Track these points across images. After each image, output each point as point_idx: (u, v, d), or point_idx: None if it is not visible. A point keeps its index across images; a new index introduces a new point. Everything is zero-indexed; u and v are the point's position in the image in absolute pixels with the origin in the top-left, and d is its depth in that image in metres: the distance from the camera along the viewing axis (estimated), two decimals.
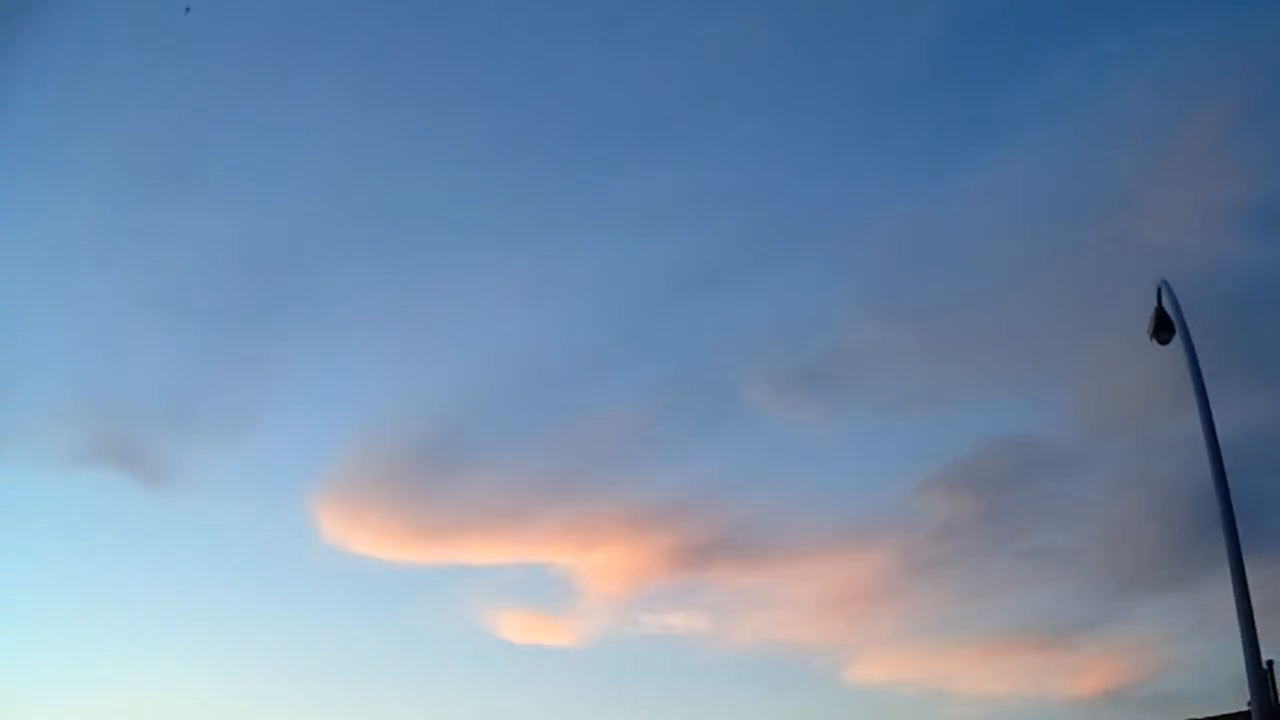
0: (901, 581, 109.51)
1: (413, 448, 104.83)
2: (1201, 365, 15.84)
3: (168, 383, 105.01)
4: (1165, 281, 16.47)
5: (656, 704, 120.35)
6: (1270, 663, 38.91)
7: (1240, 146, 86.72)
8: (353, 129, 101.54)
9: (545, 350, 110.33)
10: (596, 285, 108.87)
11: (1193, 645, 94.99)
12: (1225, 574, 14.37)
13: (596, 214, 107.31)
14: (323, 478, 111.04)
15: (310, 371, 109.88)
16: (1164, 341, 16.22)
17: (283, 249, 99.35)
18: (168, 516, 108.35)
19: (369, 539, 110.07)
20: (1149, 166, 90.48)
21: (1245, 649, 14.03)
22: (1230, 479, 14.89)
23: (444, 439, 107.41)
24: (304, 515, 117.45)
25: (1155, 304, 16.47)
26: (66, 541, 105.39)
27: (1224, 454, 15.01)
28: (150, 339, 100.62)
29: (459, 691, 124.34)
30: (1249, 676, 14.05)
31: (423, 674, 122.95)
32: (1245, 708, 15.29)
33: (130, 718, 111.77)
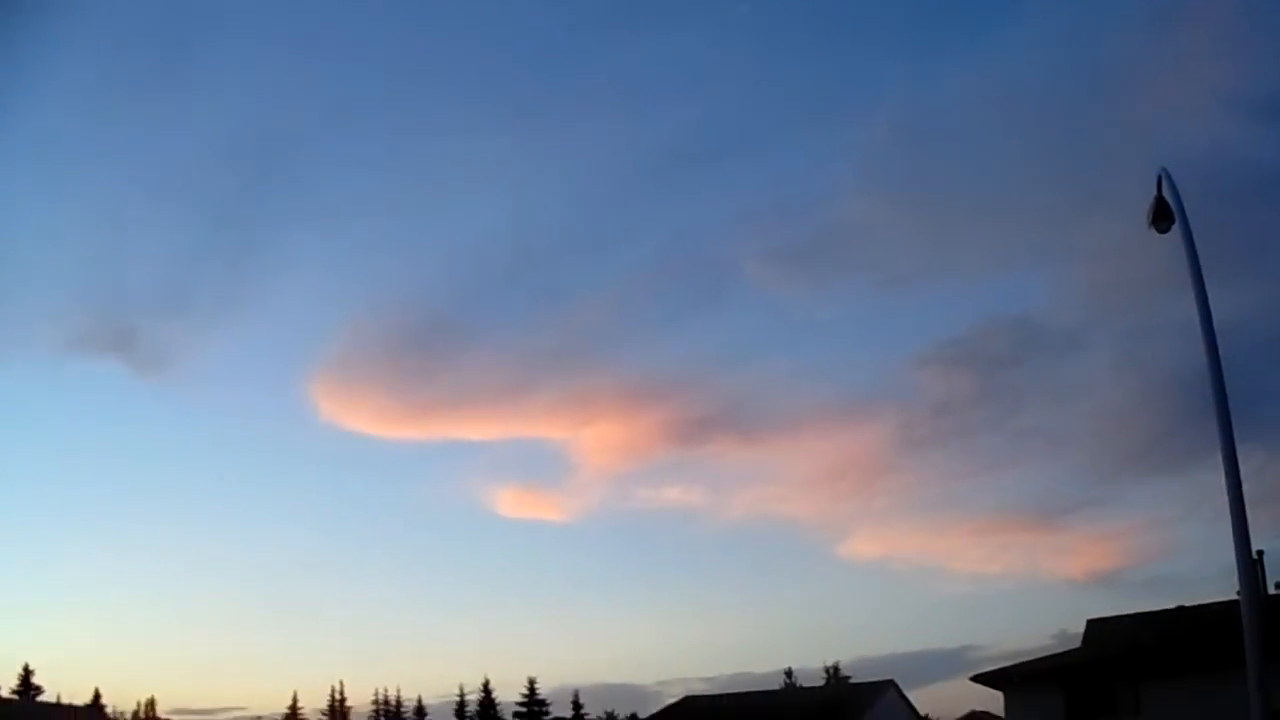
0: (896, 458, 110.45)
1: (408, 327, 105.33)
2: (1200, 253, 15.68)
3: (162, 271, 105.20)
4: (1165, 170, 16.25)
5: (651, 577, 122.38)
6: (1260, 552, 39.18)
7: (1247, 37, 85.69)
8: (340, 17, 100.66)
9: (541, 226, 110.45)
10: (593, 160, 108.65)
11: (1186, 530, 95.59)
12: (1219, 460, 14.30)
13: (592, 89, 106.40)
14: (318, 360, 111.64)
15: (304, 256, 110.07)
16: (1163, 230, 16.04)
17: (275, 137, 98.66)
18: (163, 403, 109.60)
19: (365, 418, 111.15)
20: (1155, 51, 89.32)
21: (1235, 538, 13.98)
22: (1225, 367, 14.78)
23: (440, 318, 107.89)
24: (300, 396, 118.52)
25: (1155, 192, 16.22)
26: (64, 430, 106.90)
27: (1219, 342, 14.90)
28: (144, 229, 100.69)
29: (455, 566, 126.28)
30: (1239, 566, 14.02)
31: (419, 549, 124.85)
32: (1235, 596, 15.26)
33: (130, 599, 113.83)
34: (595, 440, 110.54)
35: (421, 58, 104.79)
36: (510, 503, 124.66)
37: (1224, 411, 14.50)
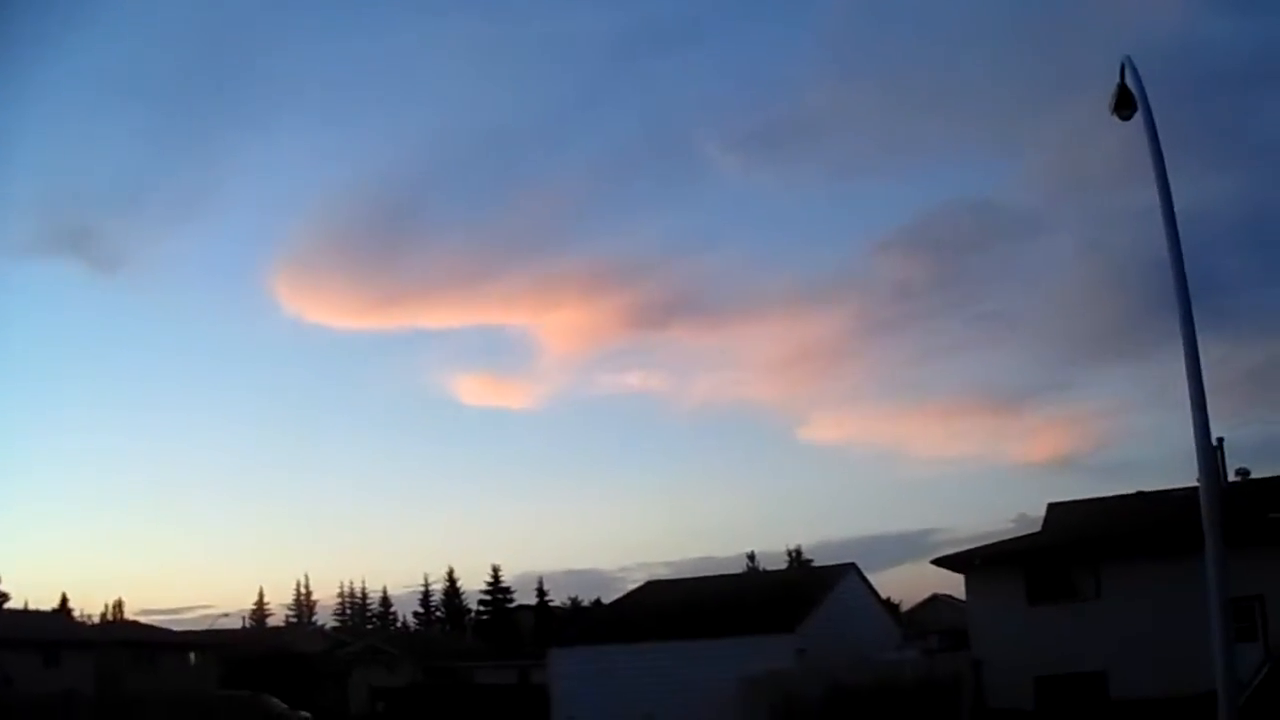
0: (856, 343, 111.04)
1: (369, 216, 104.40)
2: (1163, 142, 15.62)
3: (118, 166, 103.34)
4: (1129, 58, 16.08)
5: (613, 463, 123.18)
6: (1220, 440, 39.64)
7: None
8: None
9: (502, 113, 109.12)
10: (554, 45, 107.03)
11: (1146, 416, 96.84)
12: (1180, 348, 14.36)
13: None
14: (278, 251, 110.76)
15: (262, 147, 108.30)
16: (1125, 118, 15.94)
17: (231, 25, 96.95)
18: (122, 302, 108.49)
19: (327, 309, 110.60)
20: None
21: (1195, 425, 14.10)
22: (1186, 255, 14.80)
23: (400, 206, 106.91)
24: (261, 289, 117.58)
25: (1119, 79, 16.10)
26: (21, 332, 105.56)
27: (1182, 230, 14.91)
28: (100, 123, 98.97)
29: (418, 456, 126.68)
30: (1198, 453, 14.16)
31: (382, 440, 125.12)
32: (1195, 483, 15.42)
33: (94, 501, 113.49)
34: (557, 326, 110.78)
35: None
36: (473, 390, 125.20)
37: (1184, 299, 14.54)
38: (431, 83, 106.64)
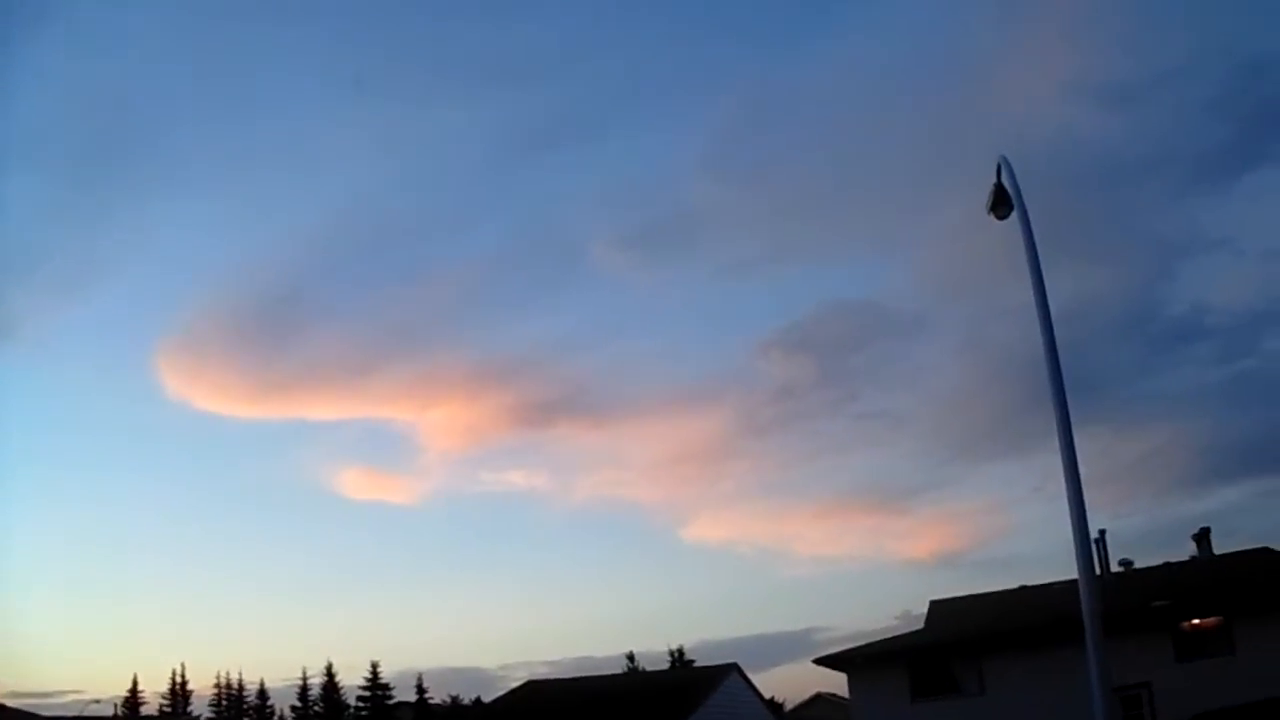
0: (739, 442, 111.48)
1: (256, 302, 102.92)
2: (1042, 237, 15.94)
3: (11, 235, 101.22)
4: (1004, 158, 16.46)
5: (495, 561, 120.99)
6: (1103, 532, 40.23)
7: (1094, 25, 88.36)
8: None
9: (391, 203, 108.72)
10: (445, 138, 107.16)
11: (1028, 511, 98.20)
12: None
13: (449, 66, 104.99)
14: (166, 332, 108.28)
15: (156, 224, 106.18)
16: (1002, 217, 16.27)
17: (128, 100, 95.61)
18: (10, 370, 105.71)
19: (211, 394, 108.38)
20: (1004, 39, 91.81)
21: (1073, 520, 14.20)
22: (1069, 349, 15.07)
23: (288, 293, 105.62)
24: (147, 370, 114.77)
25: (995, 179, 16.45)
26: None
27: (1063, 326, 15.19)
28: None
29: (299, 548, 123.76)
30: (1076, 547, 14.26)
31: (263, 530, 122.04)
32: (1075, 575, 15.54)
33: None
34: (441, 422, 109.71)
35: (280, 33, 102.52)
36: (356, 484, 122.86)
37: (1060, 394, 14.74)
38: (325, 168, 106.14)
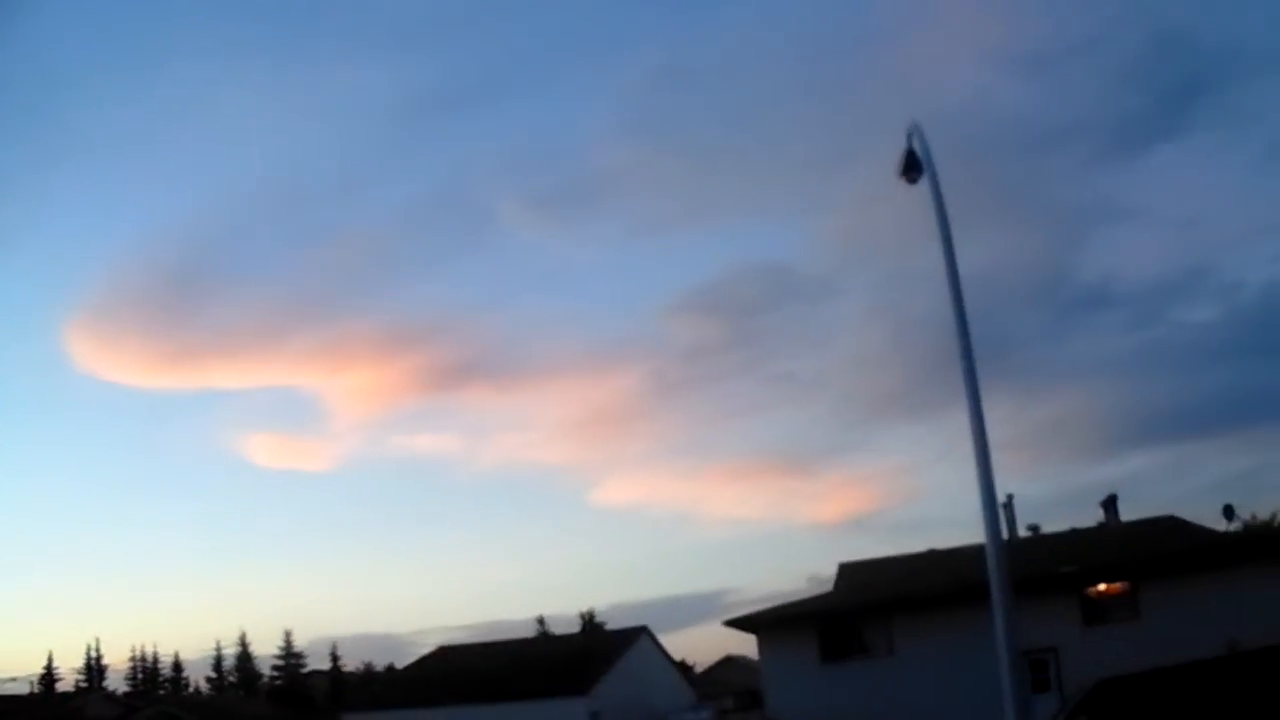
0: (649, 404, 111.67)
1: (165, 271, 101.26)
2: (954, 203, 15.94)
3: None
4: (916, 123, 16.42)
5: (406, 526, 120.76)
6: (1010, 496, 40.81)
7: None
8: None
9: (300, 168, 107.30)
10: (353, 102, 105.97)
11: (937, 475, 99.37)
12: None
13: (355, 30, 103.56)
14: (72, 303, 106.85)
15: (62, 195, 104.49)
16: (913, 182, 16.24)
17: (33, 68, 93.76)
18: None
19: (119, 365, 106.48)
20: (923, 5, 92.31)
21: (980, 484, 14.26)
22: (979, 314, 15.11)
23: (196, 261, 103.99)
24: (53, 342, 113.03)
25: (906, 144, 16.42)
26: None
27: (968, 291, 15.20)
28: None
29: (210, 517, 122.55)
30: (983, 511, 14.32)
31: (175, 500, 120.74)
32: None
33: None
34: (350, 387, 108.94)
35: (183, 0, 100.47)
36: (266, 452, 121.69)
37: (969, 359, 14.77)
38: (230, 135, 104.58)
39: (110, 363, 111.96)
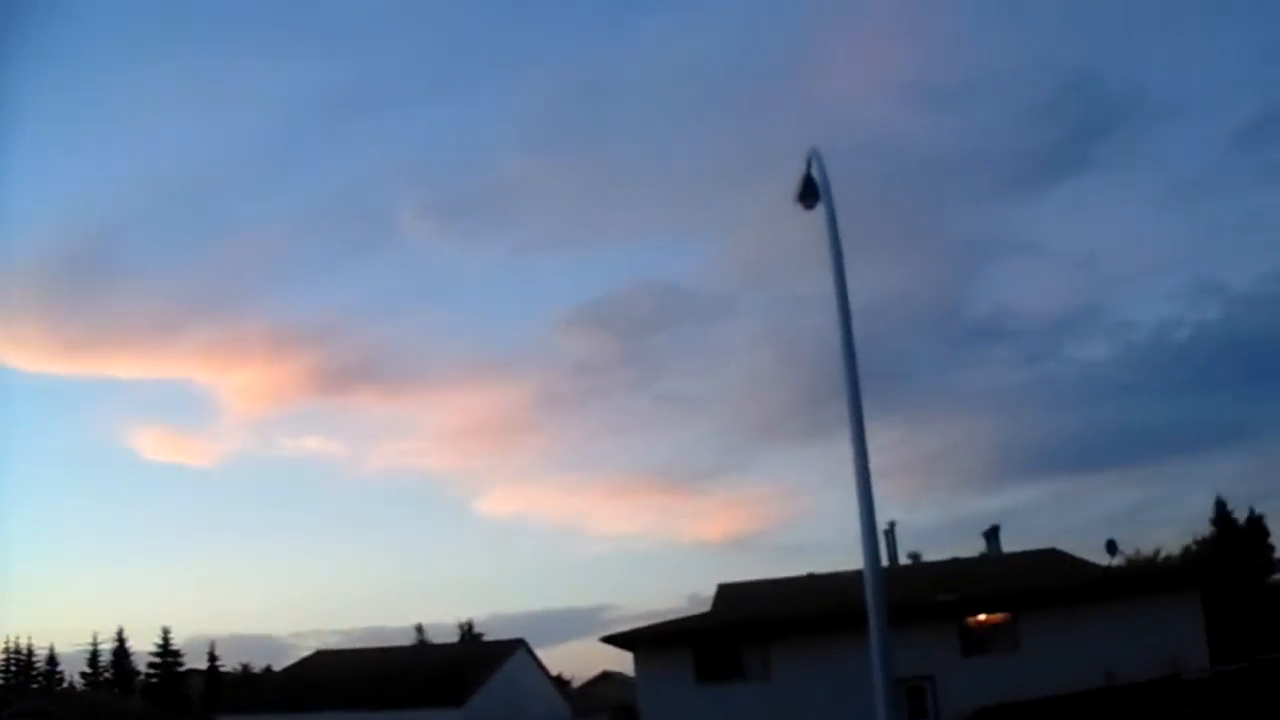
0: (536, 417, 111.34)
1: (60, 257, 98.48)
2: (851, 230, 15.97)
3: None
4: (815, 149, 16.48)
5: (289, 527, 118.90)
6: (893, 523, 41.19)
7: (924, 25, 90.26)
8: None
9: (201, 161, 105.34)
10: (260, 99, 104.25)
11: (821, 499, 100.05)
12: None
13: (262, 26, 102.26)
14: None
15: None
16: (809, 207, 16.28)
17: None
18: None
19: (9, 349, 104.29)
20: (832, 33, 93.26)
21: (860, 510, 14.26)
22: (870, 342, 15.18)
23: (93, 249, 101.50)
24: None
25: (805, 170, 16.47)
26: None
27: (860, 318, 15.26)
28: None
29: (93, 508, 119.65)
30: (863, 537, 14.33)
31: (57, 489, 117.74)
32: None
33: None
34: (240, 384, 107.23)
35: None
36: (153, 444, 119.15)
37: (854, 385, 14.79)
38: (133, 124, 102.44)
39: (6, 345, 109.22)
